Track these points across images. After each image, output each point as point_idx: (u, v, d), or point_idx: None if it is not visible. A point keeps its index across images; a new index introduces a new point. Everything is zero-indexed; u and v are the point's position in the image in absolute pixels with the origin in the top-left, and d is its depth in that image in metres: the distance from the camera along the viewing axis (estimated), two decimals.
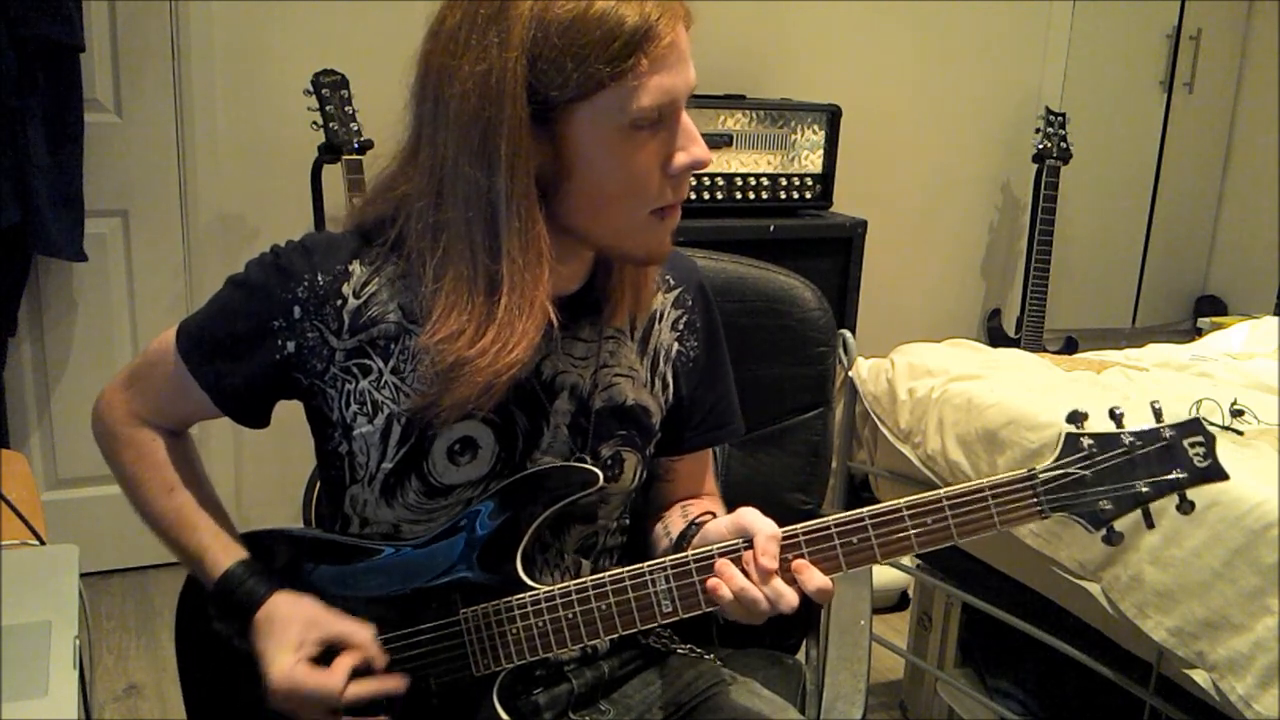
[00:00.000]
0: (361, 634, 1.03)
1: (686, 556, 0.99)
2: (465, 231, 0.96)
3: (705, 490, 1.24)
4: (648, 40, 0.91)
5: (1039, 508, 0.98)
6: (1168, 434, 0.98)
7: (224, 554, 1.07)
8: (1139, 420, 1.01)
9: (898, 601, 2.75)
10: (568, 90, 0.91)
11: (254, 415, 1.10)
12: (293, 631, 1.01)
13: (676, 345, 1.15)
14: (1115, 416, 0.99)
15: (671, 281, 1.16)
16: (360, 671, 1.02)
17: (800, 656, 1.48)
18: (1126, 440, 0.98)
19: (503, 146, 0.92)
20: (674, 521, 1.16)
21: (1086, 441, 0.98)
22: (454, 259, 0.97)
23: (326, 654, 1.02)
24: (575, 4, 0.90)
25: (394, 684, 1.03)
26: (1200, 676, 1.45)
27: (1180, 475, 0.98)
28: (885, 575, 2.62)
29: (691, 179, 2.94)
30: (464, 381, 0.96)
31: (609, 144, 0.94)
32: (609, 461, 1.09)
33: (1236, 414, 1.22)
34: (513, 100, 0.91)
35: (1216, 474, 0.99)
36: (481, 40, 0.92)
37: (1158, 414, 1.00)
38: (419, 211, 0.98)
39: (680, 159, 0.97)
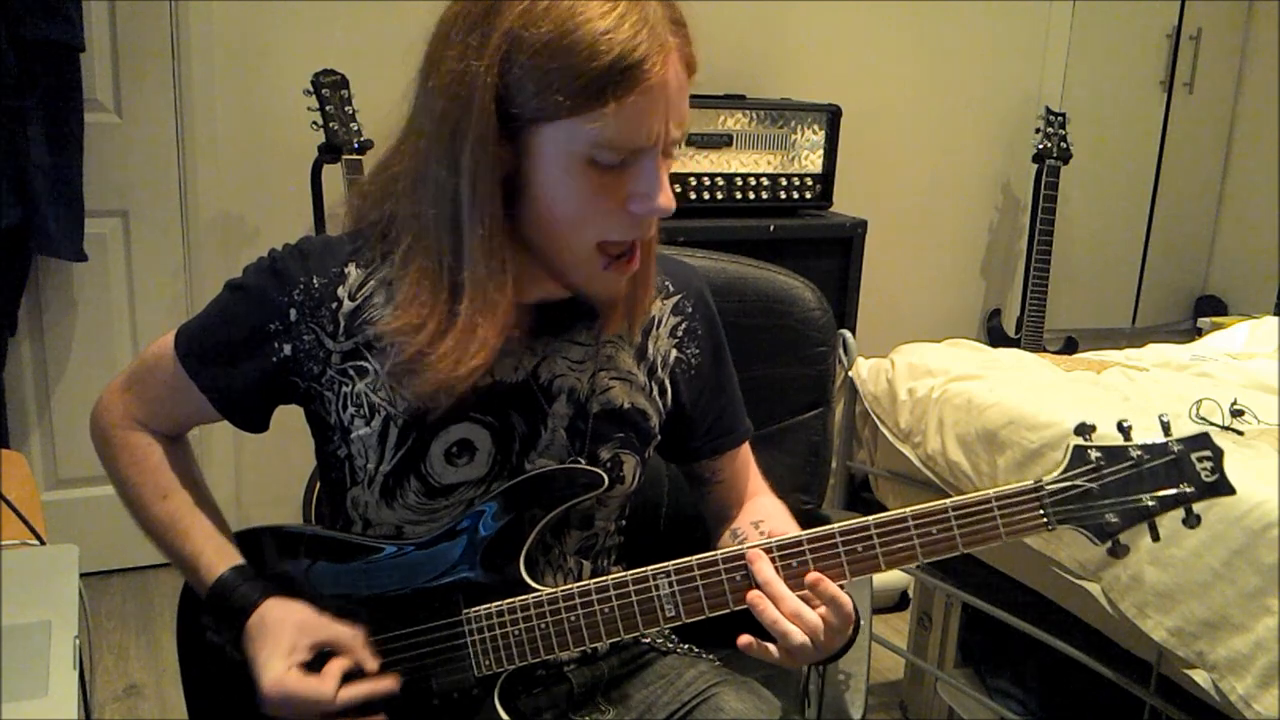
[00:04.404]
0: (352, 637, 1.03)
1: (690, 561, 1.00)
2: (433, 228, 0.96)
3: (757, 487, 1.23)
4: (622, 82, 0.88)
5: (1044, 519, 0.98)
6: (1175, 447, 0.98)
7: (217, 559, 1.07)
8: (1145, 422, 1.00)
9: (898, 601, 2.75)
10: (528, 111, 0.91)
11: (253, 419, 1.11)
12: (284, 638, 1.01)
13: (675, 352, 1.15)
14: (1123, 429, 0.99)
15: (670, 288, 1.15)
16: (353, 674, 1.02)
17: None
18: (1134, 453, 0.98)
19: (466, 151, 0.92)
20: (749, 535, 1.14)
21: (1094, 454, 0.98)
22: (419, 252, 0.98)
23: (320, 659, 1.02)
24: (554, 28, 0.88)
25: (386, 685, 1.03)
26: (1200, 676, 1.45)
27: (1187, 489, 0.98)
28: (885, 575, 2.60)
29: (691, 180, 2.94)
30: (422, 379, 0.98)
31: (566, 170, 0.93)
32: (608, 464, 1.09)
33: (1236, 414, 1.23)
34: (480, 108, 0.91)
35: (1224, 488, 0.98)
36: (464, 40, 0.92)
37: (1165, 427, 1.00)
38: (401, 193, 0.99)
39: (637, 206, 0.94)
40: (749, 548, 0.99)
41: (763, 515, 1.17)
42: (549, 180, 0.94)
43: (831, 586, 0.97)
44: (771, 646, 0.97)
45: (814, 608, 0.96)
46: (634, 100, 0.89)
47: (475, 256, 0.95)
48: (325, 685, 0.99)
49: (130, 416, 1.13)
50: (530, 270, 1.01)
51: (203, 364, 1.08)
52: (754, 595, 0.97)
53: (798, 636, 0.95)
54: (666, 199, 0.94)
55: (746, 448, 1.24)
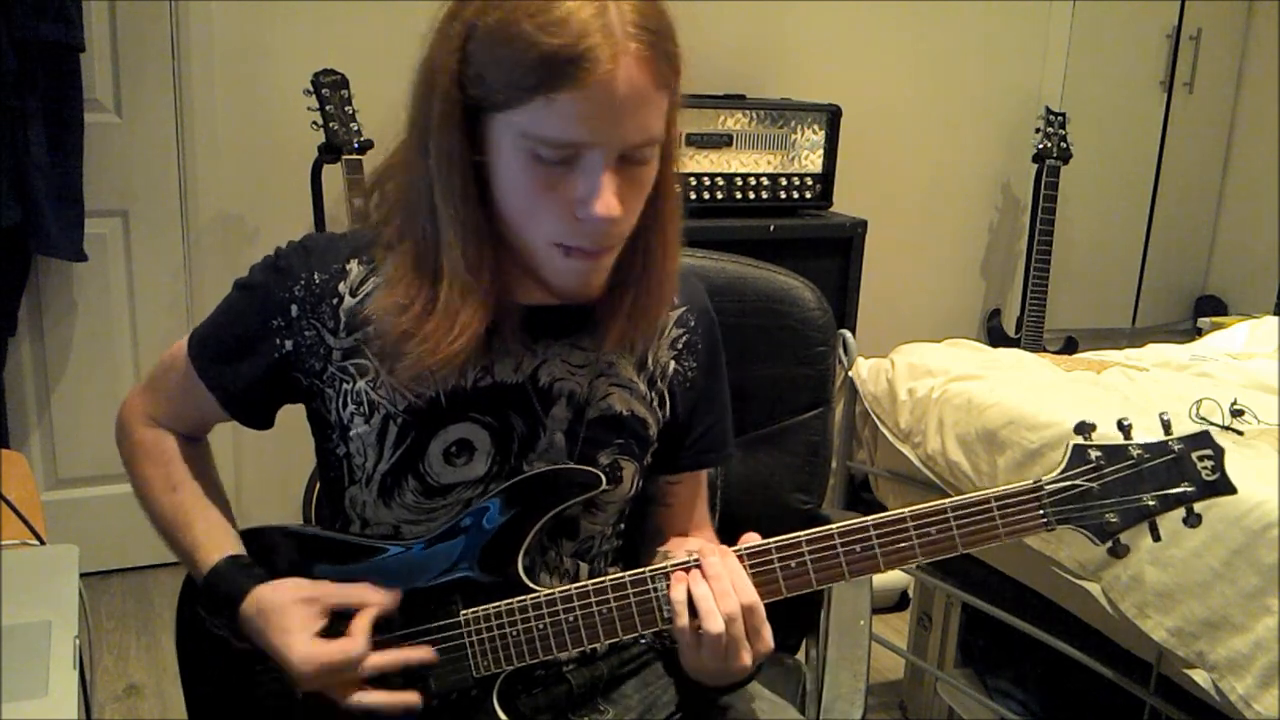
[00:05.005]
0: (359, 592, 1.02)
1: (688, 560, 1.00)
2: (417, 210, 0.98)
3: (700, 522, 1.23)
4: (552, 77, 0.87)
5: (1044, 519, 0.97)
6: (1176, 446, 0.97)
7: (214, 550, 1.07)
8: (1145, 422, 1.00)
9: (898, 601, 2.75)
10: (479, 99, 0.92)
11: (257, 416, 1.11)
12: (292, 616, 1.01)
13: (674, 364, 1.14)
14: (1123, 428, 0.98)
15: (675, 300, 1.14)
16: (381, 640, 1.01)
17: (800, 656, 1.48)
18: (1134, 452, 0.97)
19: (432, 137, 0.94)
20: (677, 556, 1.15)
21: (1094, 453, 0.97)
22: (408, 234, 1.00)
23: (337, 626, 1.01)
24: (504, 17, 0.88)
25: (420, 655, 1.03)
26: (1200, 676, 1.45)
27: (1188, 489, 0.97)
28: (885, 575, 2.62)
29: (691, 180, 2.94)
30: (405, 361, 0.99)
31: (515, 163, 0.93)
32: (607, 469, 1.09)
33: (1236, 414, 1.23)
34: (444, 96, 0.92)
35: (1225, 487, 0.98)
36: (441, 30, 0.94)
37: (1166, 425, 0.99)
38: (395, 180, 1.02)
39: (578, 210, 0.92)
40: (747, 547, 1.00)
41: (699, 548, 1.12)
42: (503, 172, 0.94)
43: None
44: (684, 619, 0.97)
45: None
46: (567, 97, 0.87)
47: (450, 240, 0.96)
48: (354, 644, 0.99)
49: (149, 416, 1.15)
50: (521, 269, 1.01)
51: (210, 362, 1.09)
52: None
53: (716, 620, 0.95)
54: (603, 206, 0.91)
55: (705, 482, 1.24)
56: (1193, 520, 0.98)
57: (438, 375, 1.03)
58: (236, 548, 1.08)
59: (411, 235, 0.99)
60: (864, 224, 2.96)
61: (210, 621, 1.10)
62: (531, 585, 1.04)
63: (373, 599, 1.03)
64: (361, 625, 1.00)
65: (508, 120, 0.91)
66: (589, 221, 0.92)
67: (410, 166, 0.98)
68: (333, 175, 2.49)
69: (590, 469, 1.06)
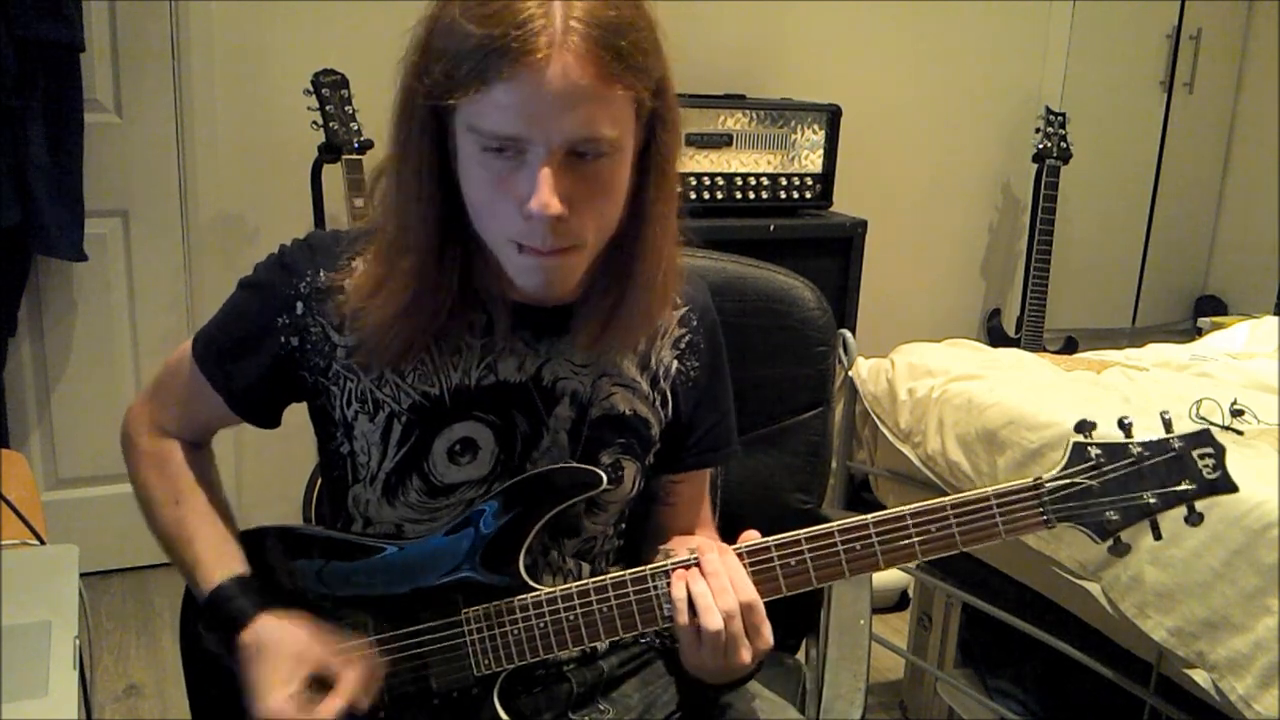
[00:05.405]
0: (344, 671, 1.01)
1: (689, 559, 1.00)
2: (387, 197, 1.00)
3: (702, 520, 1.23)
4: (479, 69, 0.87)
5: (1044, 517, 0.97)
6: (1177, 444, 0.98)
7: (217, 567, 1.06)
8: (1145, 422, 1.00)
9: (898, 601, 2.75)
10: (428, 91, 0.91)
11: (264, 415, 1.12)
12: (281, 665, 1.00)
13: (676, 364, 1.14)
14: (1124, 426, 0.98)
15: (678, 300, 1.14)
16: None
17: (800, 656, 1.48)
18: (1135, 450, 0.97)
19: (399, 128, 0.96)
20: (679, 555, 1.15)
21: (1094, 451, 0.98)
22: (379, 221, 1.01)
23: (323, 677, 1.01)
24: (450, 12, 0.89)
25: None
26: (1200, 676, 1.45)
27: (1189, 487, 0.97)
28: (885, 575, 2.62)
29: (691, 180, 2.94)
30: (357, 334, 1.01)
31: (470, 155, 0.93)
32: (609, 469, 1.09)
33: (1236, 414, 1.23)
34: (405, 88, 0.94)
35: (1226, 485, 0.98)
36: (414, 28, 0.94)
37: (1167, 424, 0.99)
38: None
39: (521, 207, 0.91)
40: (747, 545, 1.00)
41: (698, 545, 1.09)
42: (463, 166, 0.95)
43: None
44: (684, 617, 0.97)
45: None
46: (501, 88, 0.87)
47: (400, 228, 0.97)
48: None
49: (154, 424, 1.14)
50: (434, 248, 1.01)
51: (215, 362, 1.09)
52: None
53: (715, 617, 0.95)
54: (538, 203, 0.89)
55: (708, 480, 1.24)
56: (1194, 519, 0.98)
57: (440, 372, 1.03)
58: (240, 566, 1.07)
59: (380, 223, 1.01)
60: (864, 224, 2.96)
61: (206, 638, 1.10)
62: (533, 585, 1.04)
63: (352, 687, 1.00)
64: (331, 707, 0.98)
65: (458, 114, 0.91)
66: (532, 219, 0.91)
67: (390, 159, 0.99)
68: (333, 175, 2.49)
69: (590, 468, 1.06)
